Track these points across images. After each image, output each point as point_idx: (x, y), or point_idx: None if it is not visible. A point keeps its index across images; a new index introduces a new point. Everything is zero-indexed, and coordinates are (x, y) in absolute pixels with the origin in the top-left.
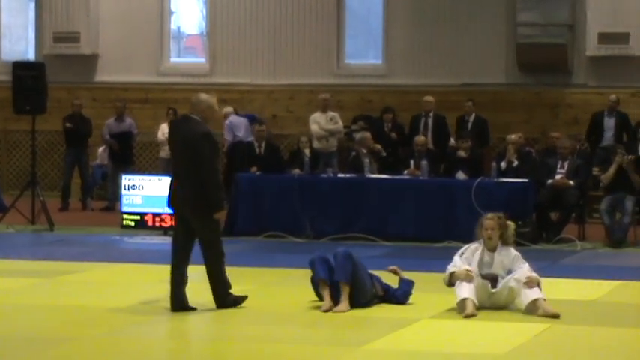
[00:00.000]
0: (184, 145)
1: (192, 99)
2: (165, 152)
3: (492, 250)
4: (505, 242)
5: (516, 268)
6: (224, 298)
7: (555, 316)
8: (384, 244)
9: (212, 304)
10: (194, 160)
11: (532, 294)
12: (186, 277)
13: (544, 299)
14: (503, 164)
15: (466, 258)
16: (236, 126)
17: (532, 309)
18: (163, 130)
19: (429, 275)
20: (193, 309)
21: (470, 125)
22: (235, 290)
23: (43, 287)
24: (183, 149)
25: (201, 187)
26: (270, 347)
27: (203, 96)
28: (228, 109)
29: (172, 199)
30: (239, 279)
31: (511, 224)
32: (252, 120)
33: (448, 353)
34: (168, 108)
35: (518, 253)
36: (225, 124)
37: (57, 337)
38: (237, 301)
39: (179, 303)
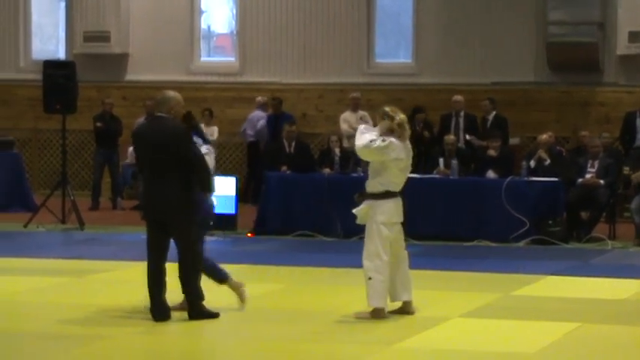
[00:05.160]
0: (163, 145)
1: (159, 97)
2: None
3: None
4: None
5: None
6: (197, 308)
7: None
8: (414, 243)
9: (234, 305)
10: (176, 159)
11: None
12: (165, 281)
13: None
14: (532, 162)
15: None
16: (249, 123)
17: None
18: None
19: (459, 274)
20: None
21: (489, 124)
22: (266, 289)
23: (73, 286)
24: (162, 149)
25: (183, 186)
26: (300, 346)
27: (170, 93)
28: (259, 99)
29: (148, 205)
30: (269, 278)
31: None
32: (288, 120)
33: (479, 352)
34: (204, 109)
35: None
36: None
37: (87, 335)
38: (211, 315)
39: (162, 312)
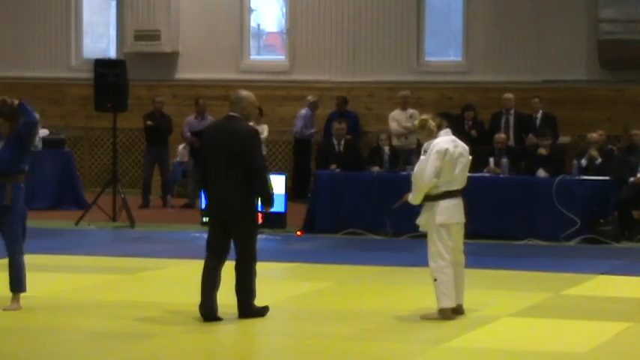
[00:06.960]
0: (232, 145)
1: (232, 97)
2: None
3: None
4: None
5: None
6: (248, 307)
7: None
8: (464, 241)
9: (283, 303)
10: (242, 160)
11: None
12: (219, 282)
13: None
14: (583, 161)
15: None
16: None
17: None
18: None
19: (510, 273)
20: (220, 319)
21: (538, 122)
22: (316, 287)
23: (123, 284)
24: (229, 149)
25: (246, 186)
26: (350, 344)
27: (243, 93)
28: (309, 98)
29: (212, 203)
30: (318, 276)
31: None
32: (352, 118)
33: (528, 351)
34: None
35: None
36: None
37: (138, 333)
38: (261, 312)
39: (212, 311)
